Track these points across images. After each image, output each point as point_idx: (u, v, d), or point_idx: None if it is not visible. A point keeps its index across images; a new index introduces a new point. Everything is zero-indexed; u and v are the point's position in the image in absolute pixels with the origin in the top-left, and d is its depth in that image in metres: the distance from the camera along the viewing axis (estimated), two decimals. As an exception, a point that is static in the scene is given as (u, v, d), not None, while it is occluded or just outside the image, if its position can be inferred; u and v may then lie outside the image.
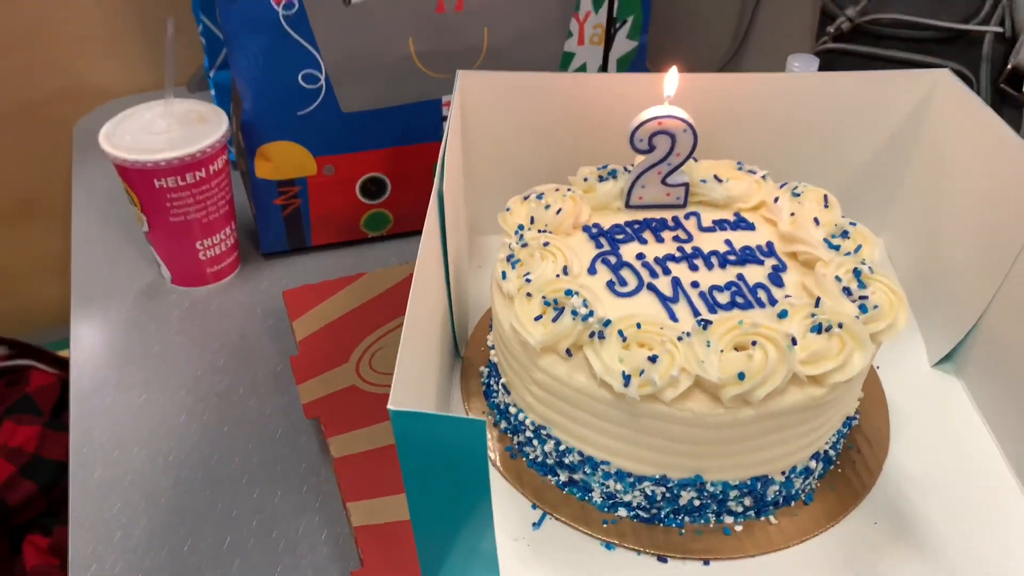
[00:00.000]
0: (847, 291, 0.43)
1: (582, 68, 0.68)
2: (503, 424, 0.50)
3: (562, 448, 0.46)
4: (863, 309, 0.42)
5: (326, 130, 0.64)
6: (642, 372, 0.39)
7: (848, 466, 0.48)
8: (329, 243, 0.70)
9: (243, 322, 0.63)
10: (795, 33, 0.94)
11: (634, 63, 0.70)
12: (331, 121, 0.63)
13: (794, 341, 0.40)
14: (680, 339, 0.41)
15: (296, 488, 0.50)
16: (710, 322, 0.41)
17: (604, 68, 0.66)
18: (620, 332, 0.41)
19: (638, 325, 0.41)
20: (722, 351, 0.40)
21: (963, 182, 0.54)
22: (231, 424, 0.55)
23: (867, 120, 0.59)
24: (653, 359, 0.39)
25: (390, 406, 0.32)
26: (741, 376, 0.39)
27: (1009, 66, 1.08)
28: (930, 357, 0.55)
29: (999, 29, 1.04)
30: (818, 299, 0.42)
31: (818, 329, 0.41)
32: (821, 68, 0.69)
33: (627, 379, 0.40)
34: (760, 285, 0.45)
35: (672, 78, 0.48)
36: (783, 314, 0.42)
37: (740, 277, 0.45)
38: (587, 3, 0.64)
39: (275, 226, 0.68)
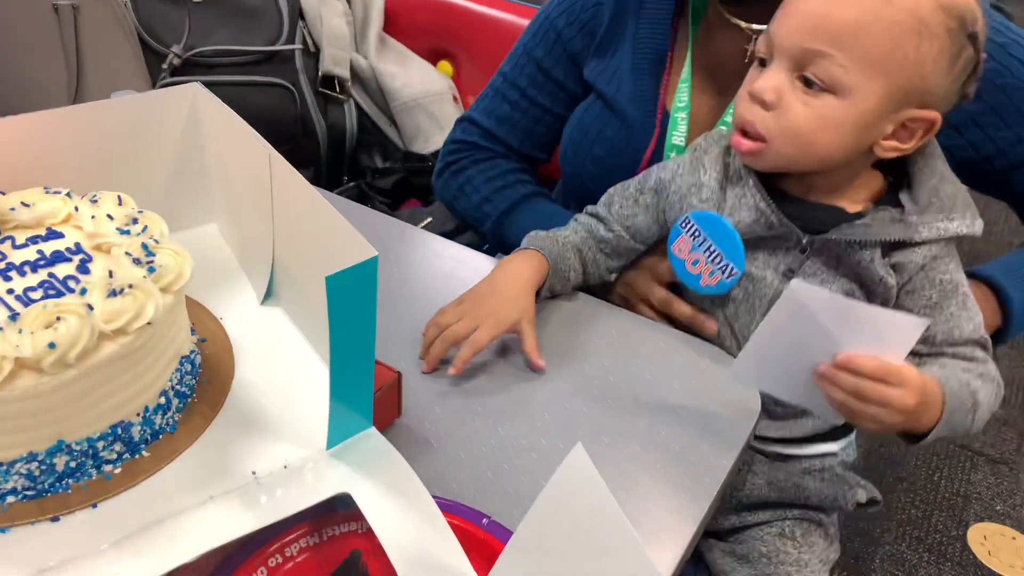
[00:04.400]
0: (137, 261, 0.56)
1: None
2: None
3: (-69, 467, 0.51)
4: (152, 270, 0.55)
5: None
6: (-37, 370, 0.47)
7: (202, 395, 0.62)
8: None
9: None
10: (125, 73, 1.05)
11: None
12: None
13: (91, 307, 0.51)
14: (-6, 335, 0.49)
15: None
16: (19, 314, 0.50)
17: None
18: (-62, 346, 0.48)
19: (-46, 335, 0.48)
20: (33, 333, 0.49)
21: (236, 164, 0.71)
22: None
23: (156, 131, 0.72)
24: (-29, 357, 0.47)
25: None
26: (52, 346, 0.49)
27: (320, 73, 1.35)
28: (258, 298, 0.72)
29: (302, 47, 1.30)
30: (111, 272, 0.54)
31: (114, 293, 0.52)
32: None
33: (-48, 380, 0.47)
34: (70, 277, 0.55)
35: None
36: (83, 292, 0.53)
37: (52, 276, 0.55)
38: None
39: None
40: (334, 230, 0.54)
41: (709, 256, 0.76)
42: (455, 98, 1.47)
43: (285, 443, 0.58)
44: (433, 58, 1.52)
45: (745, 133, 0.70)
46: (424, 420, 0.68)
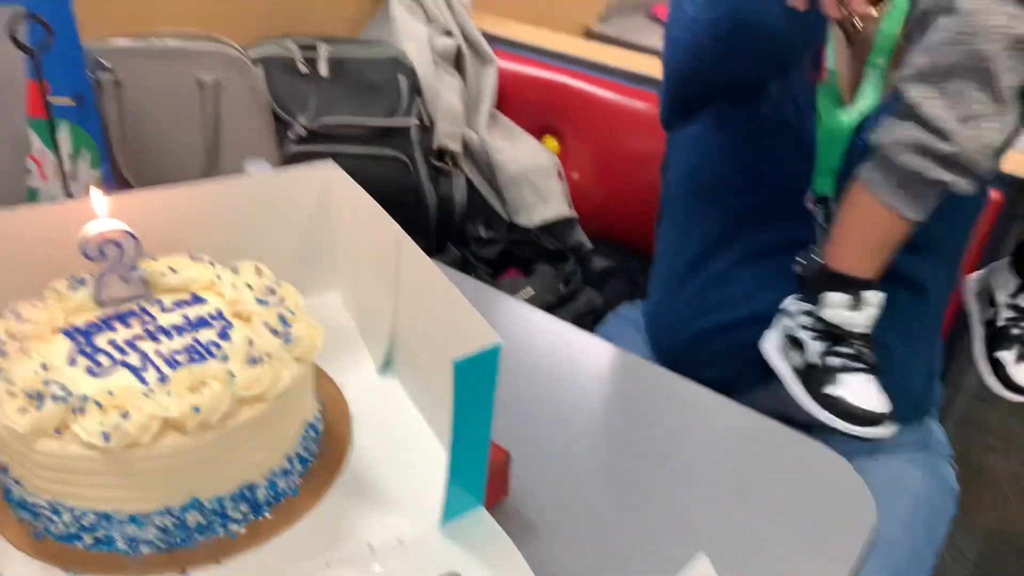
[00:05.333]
0: (275, 331, 0.59)
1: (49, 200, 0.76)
2: (24, 514, 0.57)
3: (77, 514, 0.54)
4: (287, 340, 0.59)
5: None
6: (117, 427, 0.50)
7: (322, 461, 0.64)
8: None
9: None
10: (256, 142, 1.12)
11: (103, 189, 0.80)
12: None
13: (232, 374, 0.54)
14: (146, 395, 0.53)
15: None
16: (168, 377, 0.54)
17: (70, 196, 0.75)
18: (96, 403, 0.52)
19: (111, 393, 0.52)
20: (180, 396, 0.53)
21: (363, 240, 0.74)
22: None
23: (291, 206, 0.77)
24: (125, 415, 0.51)
25: None
26: (197, 409, 0.52)
27: (434, 147, 1.41)
28: (376, 368, 0.74)
29: (417, 121, 1.36)
30: (251, 340, 0.58)
31: (253, 361, 0.56)
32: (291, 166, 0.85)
33: (107, 436, 0.50)
34: (212, 343, 0.59)
35: (98, 199, 0.60)
36: (225, 358, 0.56)
37: (195, 340, 0.59)
38: (38, 143, 0.74)
39: None
40: (460, 314, 0.57)
41: None
42: (560, 173, 1.51)
43: (399, 515, 0.60)
44: (540, 134, 1.56)
45: None
46: (530, 500, 0.68)
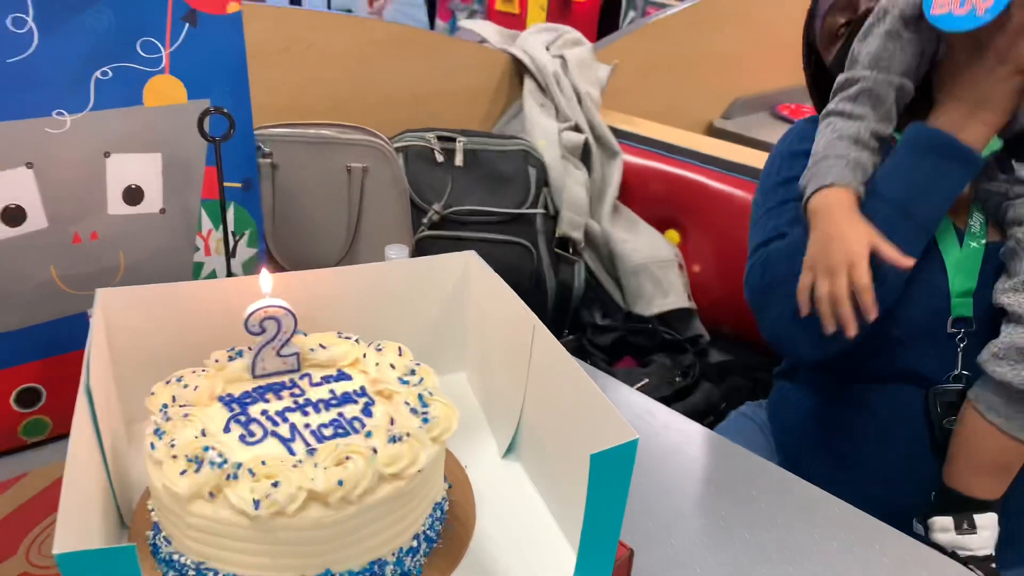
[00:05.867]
0: (414, 411, 0.62)
1: (212, 275, 0.83)
2: (171, 573, 0.60)
3: (220, 576, 0.57)
4: (425, 420, 0.61)
5: (-24, 352, 0.71)
6: (268, 496, 0.53)
7: (447, 541, 0.65)
8: (-15, 456, 0.75)
9: (-103, 545, 0.66)
10: (394, 226, 1.18)
11: (257, 265, 0.86)
12: (-19, 343, 0.71)
13: (375, 451, 0.56)
14: (295, 466, 0.55)
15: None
16: (316, 449, 0.57)
17: (229, 272, 0.81)
18: (249, 470, 0.55)
19: (263, 463, 0.55)
20: (326, 468, 0.55)
21: (496, 325, 0.77)
22: None
23: (431, 290, 0.80)
24: (275, 484, 0.54)
25: (56, 549, 0.42)
26: (341, 483, 0.54)
27: (557, 235, 1.44)
28: (499, 451, 0.76)
29: (543, 211, 1.40)
30: (392, 419, 0.60)
31: (394, 439, 0.58)
32: (421, 251, 0.91)
33: (257, 504, 0.53)
34: (356, 418, 0.62)
35: (265, 278, 0.65)
36: (368, 434, 0.59)
37: (340, 415, 0.62)
38: (207, 223, 0.80)
39: (-74, 448, 0.71)
40: (593, 407, 0.58)
41: None
42: (680, 265, 1.51)
43: (520, 604, 0.60)
44: (662, 226, 1.58)
45: None
46: (650, 600, 0.67)
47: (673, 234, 1.58)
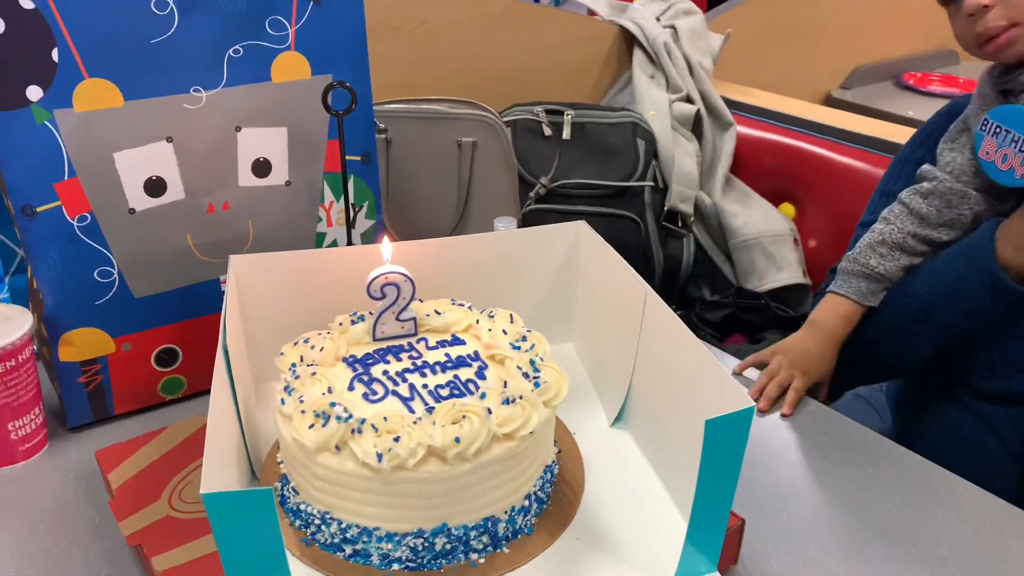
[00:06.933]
0: (526, 375, 0.63)
1: (333, 244, 0.86)
2: (297, 522, 0.64)
3: (343, 526, 0.60)
4: (537, 385, 0.62)
5: (121, 314, 0.77)
6: (390, 450, 0.56)
7: (556, 503, 0.67)
8: (131, 410, 0.81)
9: (58, 487, 0.73)
10: (502, 200, 1.20)
11: (375, 236, 0.90)
12: (125, 306, 0.77)
13: (489, 411, 0.58)
14: (415, 423, 0.58)
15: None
16: (434, 408, 0.59)
17: (350, 242, 0.85)
18: (373, 426, 0.58)
19: (385, 419, 0.58)
20: (443, 426, 0.58)
21: (606, 295, 0.77)
22: (59, 571, 0.64)
23: (541, 260, 0.81)
24: (397, 439, 0.56)
25: (203, 490, 0.45)
26: (457, 440, 0.57)
27: (666, 208, 1.43)
28: (608, 419, 0.76)
29: (652, 183, 1.39)
30: (505, 382, 0.62)
31: (507, 401, 0.60)
32: (528, 224, 0.91)
33: (380, 457, 0.56)
34: (470, 380, 0.64)
35: (386, 247, 0.68)
36: (483, 396, 0.60)
37: (456, 377, 0.64)
38: (329, 195, 0.84)
39: (79, 402, 0.78)
40: (708, 374, 0.57)
41: (1016, 147, 0.79)
42: (795, 240, 1.47)
43: (628, 566, 0.61)
44: (776, 200, 1.54)
45: (991, 38, 0.79)
46: (758, 572, 0.67)
47: (788, 207, 1.54)
